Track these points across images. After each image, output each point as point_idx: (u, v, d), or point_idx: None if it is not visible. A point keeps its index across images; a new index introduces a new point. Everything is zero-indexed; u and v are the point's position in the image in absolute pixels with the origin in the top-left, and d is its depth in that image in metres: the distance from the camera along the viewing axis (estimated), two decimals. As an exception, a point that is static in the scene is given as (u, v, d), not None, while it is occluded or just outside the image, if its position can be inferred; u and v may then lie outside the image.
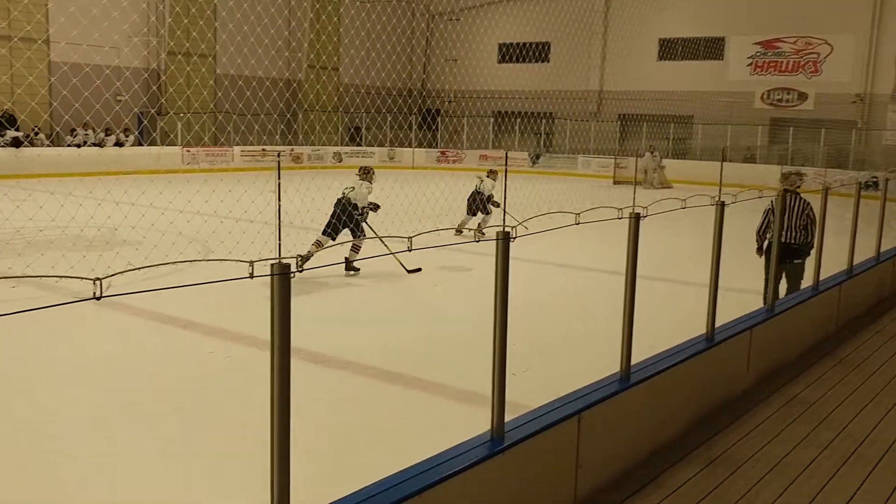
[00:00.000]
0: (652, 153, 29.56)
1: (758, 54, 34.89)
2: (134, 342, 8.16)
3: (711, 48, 34.84)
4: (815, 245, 8.68)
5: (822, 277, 8.56)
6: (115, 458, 5.54)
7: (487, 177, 16.11)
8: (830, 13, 31.98)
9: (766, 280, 8.15)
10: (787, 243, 8.79)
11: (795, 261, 8.97)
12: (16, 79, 26.84)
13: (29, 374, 7.13)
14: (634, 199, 5.13)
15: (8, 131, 25.75)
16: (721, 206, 6.18)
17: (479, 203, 15.62)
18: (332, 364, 7.54)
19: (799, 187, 9.34)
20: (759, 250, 9.13)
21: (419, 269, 10.63)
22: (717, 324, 6.39)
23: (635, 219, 5.00)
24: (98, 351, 7.83)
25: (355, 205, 11.36)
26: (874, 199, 11.73)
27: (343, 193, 11.50)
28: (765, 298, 7.99)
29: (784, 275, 8.96)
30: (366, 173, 12.28)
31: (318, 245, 10.46)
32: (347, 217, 11.10)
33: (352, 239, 11.06)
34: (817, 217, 8.49)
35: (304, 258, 9.64)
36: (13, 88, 26.88)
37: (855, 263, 9.68)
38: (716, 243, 6.24)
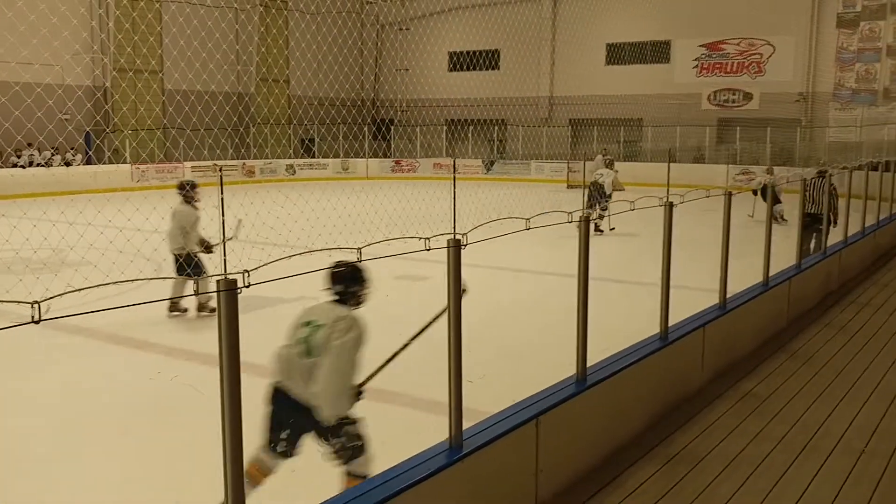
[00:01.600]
0: (604, 156, 29.87)
1: (703, 56, 35.51)
2: (80, 365, 8.00)
3: (658, 51, 35.36)
4: (766, 240, 8.82)
5: (771, 273, 8.70)
6: (63, 483, 5.41)
7: (606, 166, 17.68)
8: (772, 15, 32.67)
9: (800, 241, 10.17)
10: (813, 214, 11.42)
11: (818, 226, 11.43)
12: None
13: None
14: (584, 202, 5.16)
15: None
16: (669, 207, 6.26)
17: (597, 195, 16.81)
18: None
19: (828, 172, 12.19)
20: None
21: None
22: (671, 322, 6.46)
23: (585, 222, 5.04)
24: (43, 375, 7.66)
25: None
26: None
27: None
28: (798, 255, 9.76)
29: (813, 236, 11.51)
30: (186, 193, 9.65)
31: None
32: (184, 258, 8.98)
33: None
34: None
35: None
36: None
37: (803, 258, 9.87)
38: (666, 243, 6.31)
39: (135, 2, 30.50)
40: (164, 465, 5.71)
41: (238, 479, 2.98)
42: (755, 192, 17.20)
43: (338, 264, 4.57)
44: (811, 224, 11.22)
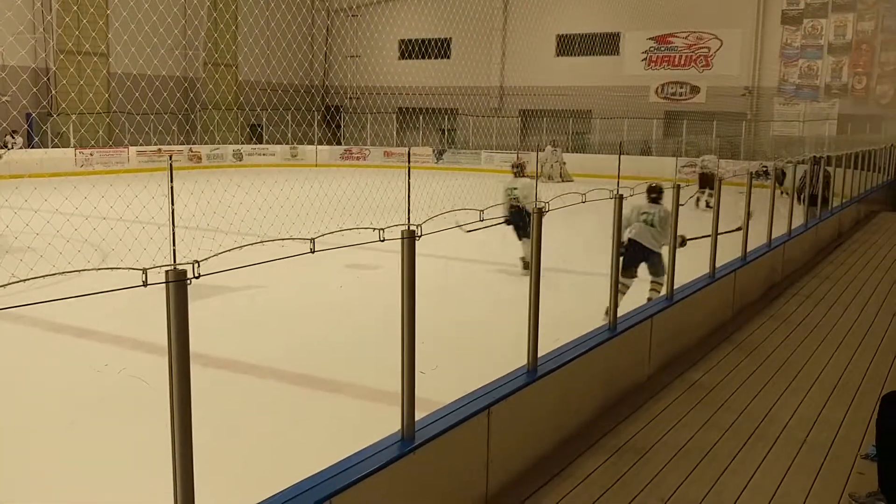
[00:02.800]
0: (553, 147, 30.09)
1: (652, 49, 35.90)
2: (24, 355, 7.80)
3: (607, 44, 35.64)
4: (711, 233, 8.95)
5: (717, 265, 8.85)
6: (8, 475, 5.27)
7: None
8: (720, 9, 33.15)
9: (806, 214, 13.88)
10: (814, 195, 14.46)
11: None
12: None
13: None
14: (536, 193, 5.18)
15: None
16: (619, 199, 6.31)
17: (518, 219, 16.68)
18: (237, 368, 7.38)
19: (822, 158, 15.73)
20: (800, 200, 14.55)
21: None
22: (620, 313, 6.53)
23: (538, 214, 5.05)
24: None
25: None
26: (765, 187, 12.20)
27: None
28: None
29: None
30: None
31: None
32: None
33: None
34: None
35: None
36: None
37: (749, 250, 10.05)
38: (616, 235, 6.37)
39: (79, -17, 29.75)
40: (112, 459, 5.60)
41: (187, 473, 2.92)
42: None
43: (655, 187, 9.24)
44: (812, 200, 14.46)
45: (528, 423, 5.16)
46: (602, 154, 31.12)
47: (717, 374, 7.15)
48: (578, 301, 9.31)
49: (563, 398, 5.60)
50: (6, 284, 2.67)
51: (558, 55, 36.94)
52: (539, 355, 5.31)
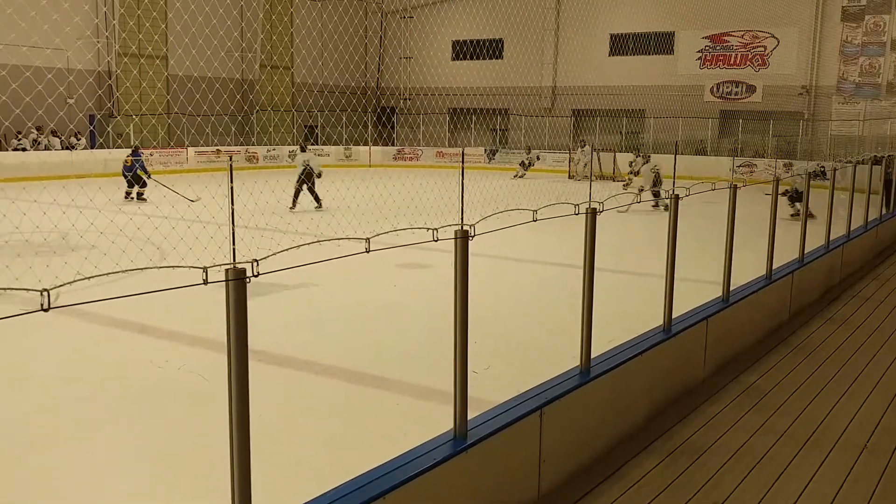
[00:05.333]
0: (582, 147, 30.04)
1: (707, 48, 35.38)
2: (88, 351, 8.01)
3: (661, 43, 35.21)
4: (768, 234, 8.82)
5: (774, 266, 8.71)
6: (70, 467, 5.43)
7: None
8: (776, 7, 32.54)
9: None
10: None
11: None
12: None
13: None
14: (591, 193, 5.16)
15: None
16: (675, 199, 6.26)
17: None
18: (293, 365, 7.48)
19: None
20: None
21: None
22: (675, 314, 6.47)
23: (592, 214, 5.04)
24: (51, 361, 7.67)
25: None
26: (823, 188, 11.96)
27: None
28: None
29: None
30: None
31: None
32: None
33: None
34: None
35: None
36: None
37: (806, 252, 9.87)
38: (671, 235, 6.31)
39: (143, -13, 30.45)
40: (170, 453, 5.73)
41: (245, 467, 2.99)
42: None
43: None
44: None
45: (581, 424, 5.15)
46: (655, 154, 30.81)
47: (774, 378, 7.04)
48: (632, 302, 9.24)
49: (616, 400, 5.58)
50: (72, 282, 2.75)
51: (612, 55, 36.62)
52: (592, 356, 5.29)
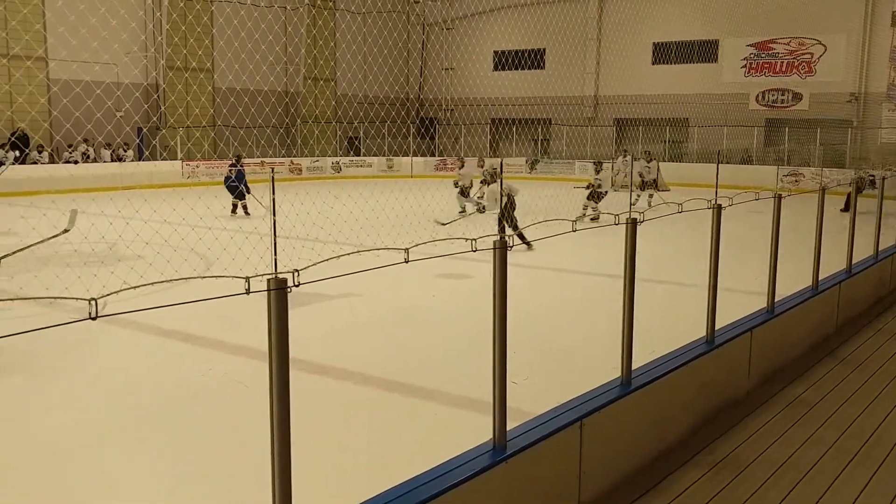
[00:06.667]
0: (624, 157, 29.73)
1: (752, 56, 34.98)
2: (132, 359, 8.14)
3: (705, 51, 34.89)
4: (815, 243, 8.69)
5: (821, 277, 8.56)
6: (112, 474, 5.52)
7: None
8: (823, 13, 32.07)
9: None
10: None
11: None
12: (16, 96, 26.98)
13: (27, 393, 7.12)
14: (631, 203, 5.13)
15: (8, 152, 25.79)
16: (718, 209, 6.19)
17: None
18: (332, 374, 7.53)
19: None
20: None
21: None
22: (717, 326, 6.40)
23: (632, 224, 5.01)
24: (96, 368, 7.81)
25: None
26: (871, 197, 11.74)
27: None
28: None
29: None
30: None
31: None
32: None
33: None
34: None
35: None
36: (18, 108, 26.98)
37: (854, 262, 9.69)
38: (713, 245, 6.24)
39: (189, 3, 31.01)
40: (211, 459, 5.79)
41: (286, 475, 3.02)
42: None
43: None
44: None
45: (622, 436, 5.11)
46: (699, 163, 30.51)
47: (821, 390, 6.91)
48: (674, 312, 9.15)
49: (658, 411, 5.52)
50: (118, 291, 2.81)
51: (654, 63, 36.38)
52: (633, 367, 5.25)
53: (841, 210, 17.80)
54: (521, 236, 10.91)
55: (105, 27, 23.52)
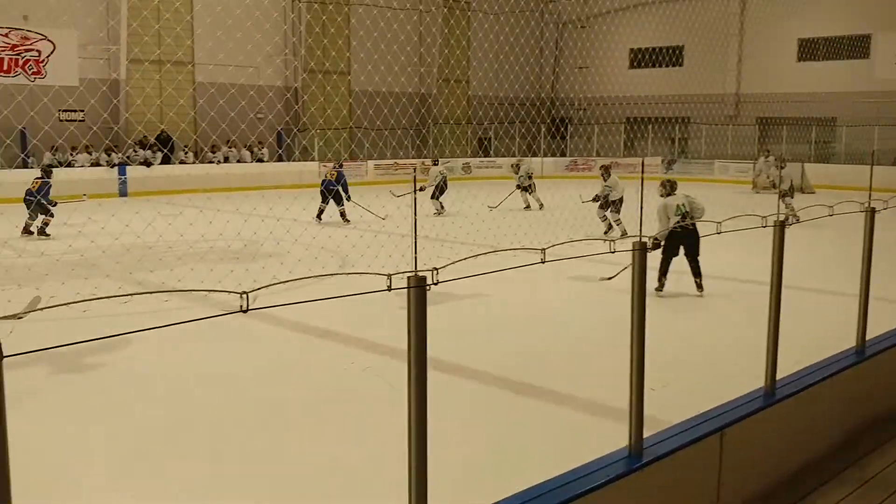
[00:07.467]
0: (766, 157, 28.44)
1: (908, 50, 32.87)
2: (276, 352, 8.44)
3: (855, 46, 33.04)
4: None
5: None
6: (255, 462, 5.73)
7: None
8: None
9: None
10: None
11: None
12: (166, 100, 28.55)
13: (177, 381, 7.50)
14: (779, 205, 4.92)
15: (141, 151, 27.35)
16: (871, 213, 5.85)
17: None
18: (463, 374, 7.57)
19: None
20: None
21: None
22: (869, 336, 6.05)
23: (780, 227, 4.80)
24: (242, 360, 8.14)
25: None
26: None
27: None
28: None
29: None
30: None
31: None
32: None
33: None
34: None
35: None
36: (163, 109, 28.57)
37: None
38: (866, 251, 5.91)
39: (325, 6, 31.93)
40: (349, 454, 5.93)
41: (422, 471, 3.04)
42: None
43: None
44: None
45: (764, 449, 4.90)
46: (848, 164, 28.96)
47: None
48: (820, 321, 8.72)
49: (803, 424, 5.27)
50: (269, 285, 2.92)
51: (800, 60, 34.79)
52: (778, 377, 5.03)
53: None
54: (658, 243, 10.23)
55: (244, 31, 24.52)
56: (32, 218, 15.85)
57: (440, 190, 20.60)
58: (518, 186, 21.83)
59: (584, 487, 3.67)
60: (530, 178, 21.89)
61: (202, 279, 9.55)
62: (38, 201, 15.39)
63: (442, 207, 20.38)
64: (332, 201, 17.53)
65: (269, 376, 7.65)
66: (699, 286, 10.42)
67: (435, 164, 22.67)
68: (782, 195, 19.96)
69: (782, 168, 20.79)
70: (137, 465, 5.69)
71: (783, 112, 33.20)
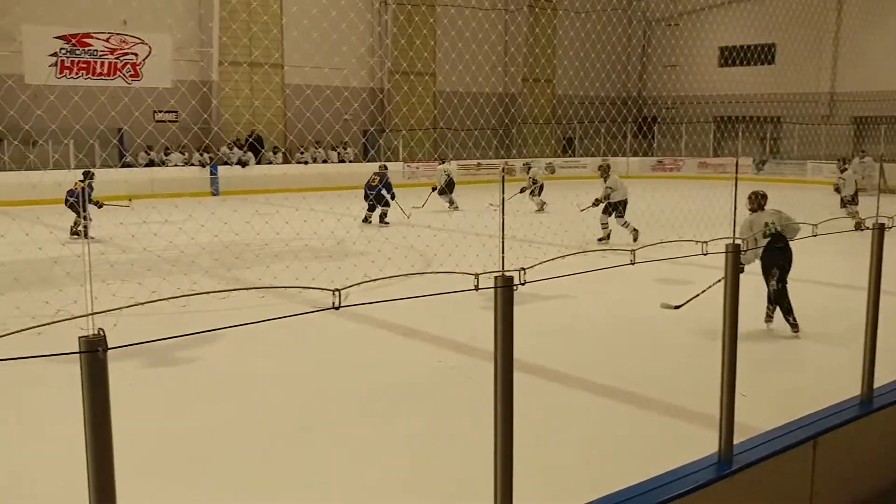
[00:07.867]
0: (861, 159, 27.21)
1: None
2: (365, 349, 8.56)
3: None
4: None
5: None
6: (339, 457, 5.82)
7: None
8: None
9: None
10: None
11: None
12: (261, 102, 29.32)
13: (267, 375, 7.68)
14: (878, 208, 4.75)
15: (237, 150, 28.12)
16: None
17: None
18: (546, 375, 7.53)
19: None
20: None
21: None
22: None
23: (879, 230, 4.63)
24: (332, 356, 8.28)
25: None
26: None
27: None
28: None
29: None
30: None
31: None
32: None
33: None
34: None
35: None
36: (256, 111, 29.33)
37: None
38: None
39: (415, 7, 32.24)
40: (436, 447, 5.97)
41: (507, 472, 3.05)
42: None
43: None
44: None
45: (859, 459, 4.74)
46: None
47: None
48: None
49: (902, 434, 5.07)
50: (360, 283, 2.97)
51: (901, 56, 33.44)
52: (875, 386, 4.86)
53: None
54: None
55: (335, 32, 24.96)
56: (81, 220, 15.67)
57: (449, 187, 21.70)
58: (524, 189, 21.74)
59: (673, 493, 3.62)
60: (535, 181, 21.81)
61: (297, 276, 9.77)
62: (83, 203, 15.50)
63: (451, 203, 21.52)
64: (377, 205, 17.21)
65: (357, 372, 7.76)
66: (793, 326, 8.88)
67: (442, 163, 23.60)
68: (845, 203, 18.49)
69: (844, 171, 19.44)
70: (212, 457, 5.83)
71: (882, 111, 31.96)
